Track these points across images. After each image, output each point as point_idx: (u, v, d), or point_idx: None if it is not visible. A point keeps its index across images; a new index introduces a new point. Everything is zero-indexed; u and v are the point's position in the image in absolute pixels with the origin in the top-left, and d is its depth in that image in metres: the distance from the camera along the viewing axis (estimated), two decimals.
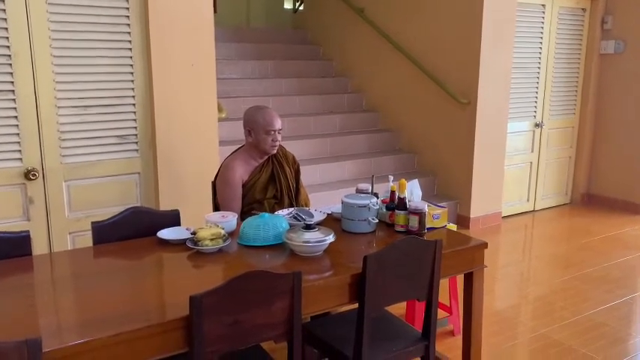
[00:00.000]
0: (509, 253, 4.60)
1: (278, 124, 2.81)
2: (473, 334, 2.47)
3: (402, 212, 2.43)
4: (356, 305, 2.01)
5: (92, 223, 2.35)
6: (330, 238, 2.16)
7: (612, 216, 5.59)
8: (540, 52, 5.45)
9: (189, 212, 2.86)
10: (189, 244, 2.20)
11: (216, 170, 2.99)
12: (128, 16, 3.11)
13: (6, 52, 2.83)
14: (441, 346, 2.88)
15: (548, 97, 5.63)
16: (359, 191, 2.66)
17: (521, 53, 5.26)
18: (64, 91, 3.01)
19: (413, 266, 2.07)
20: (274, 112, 2.86)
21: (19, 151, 2.94)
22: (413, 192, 2.61)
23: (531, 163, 5.68)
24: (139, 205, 3.24)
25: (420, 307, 2.91)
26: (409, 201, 2.47)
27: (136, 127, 3.24)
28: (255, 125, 2.81)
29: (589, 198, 6.09)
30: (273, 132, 2.79)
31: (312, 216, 2.54)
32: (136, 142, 3.26)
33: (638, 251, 4.55)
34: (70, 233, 3.14)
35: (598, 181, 6.02)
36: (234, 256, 2.20)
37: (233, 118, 4.35)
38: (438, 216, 2.52)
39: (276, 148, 2.85)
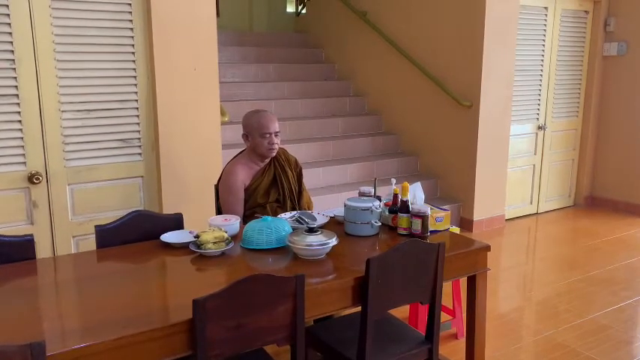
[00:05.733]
0: (512, 256, 4.59)
1: (274, 127, 2.78)
2: (476, 337, 2.46)
3: (405, 215, 2.43)
4: (359, 308, 2.01)
5: (96, 226, 2.36)
6: (333, 241, 2.16)
7: (616, 218, 5.58)
8: (543, 55, 5.45)
9: (193, 215, 2.87)
10: (192, 248, 2.20)
11: (219, 174, 3.00)
12: (131, 21, 3.13)
13: (10, 56, 2.85)
14: (444, 349, 2.87)
15: (551, 99, 5.63)
16: (361, 194, 2.66)
17: (523, 56, 5.26)
18: (68, 95, 3.03)
19: (416, 269, 2.06)
20: (271, 114, 2.84)
21: (23, 155, 2.95)
22: (416, 195, 2.60)
23: (534, 165, 5.67)
24: (142, 208, 3.25)
25: (423, 310, 2.90)
26: (412, 204, 2.47)
27: (139, 131, 3.25)
28: (250, 129, 2.80)
29: (592, 200, 6.08)
30: (268, 135, 2.77)
31: (314, 219, 2.54)
32: (139, 146, 3.27)
33: None
34: (73, 237, 3.15)
35: (601, 183, 6.00)
36: (237, 259, 2.20)
37: (236, 122, 4.35)
38: (440, 219, 2.52)
39: (274, 151, 2.82)
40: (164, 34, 3.19)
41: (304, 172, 3.08)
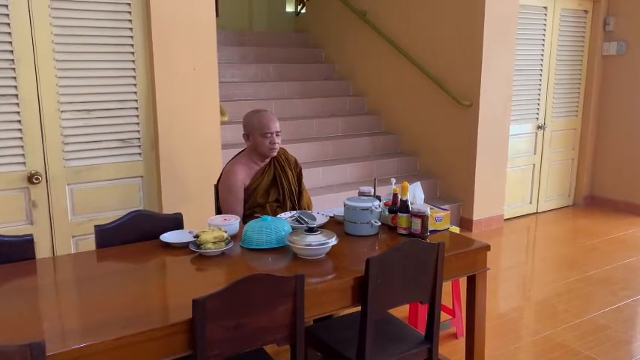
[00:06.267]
0: (512, 256, 4.59)
1: (275, 126, 2.80)
2: (476, 336, 2.47)
3: (405, 215, 2.43)
4: (359, 308, 2.01)
5: (95, 226, 2.36)
6: (333, 241, 2.16)
7: (615, 218, 5.58)
8: (542, 54, 5.45)
9: (192, 215, 2.87)
10: (191, 248, 2.21)
11: (219, 173, 3.00)
12: (130, 20, 3.13)
13: (9, 56, 2.84)
14: (444, 349, 2.88)
15: (550, 99, 5.63)
16: (361, 194, 2.66)
17: (523, 55, 5.26)
18: (67, 95, 3.02)
19: (416, 269, 2.07)
20: (271, 114, 2.85)
21: (23, 155, 2.95)
22: (415, 194, 2.61)
23: (534, 165, 5.67)
24: (141, 208, 3.25)
25: (423, 310, 2.91)
26: (412, 203, 2.47)
27: (138, 131, 3.25)
28: (251, 129, 2.81)
29: (592, 200, 6.08)
30: (270, 135, 2.78)
31: (314, 219, 2.54)
32: (139, 146, 3.27)
33: None
34: (73, 237, 3.15)
35: (601, 183, 6.01)
36: (236, 259, 2.20)
37: (235, 122, 4.35)
38: (440, 218, 2.52)
39: (276, 150, 2.83)
40: (164, 34, 3.19)
41: (304, 172, 3.09)
